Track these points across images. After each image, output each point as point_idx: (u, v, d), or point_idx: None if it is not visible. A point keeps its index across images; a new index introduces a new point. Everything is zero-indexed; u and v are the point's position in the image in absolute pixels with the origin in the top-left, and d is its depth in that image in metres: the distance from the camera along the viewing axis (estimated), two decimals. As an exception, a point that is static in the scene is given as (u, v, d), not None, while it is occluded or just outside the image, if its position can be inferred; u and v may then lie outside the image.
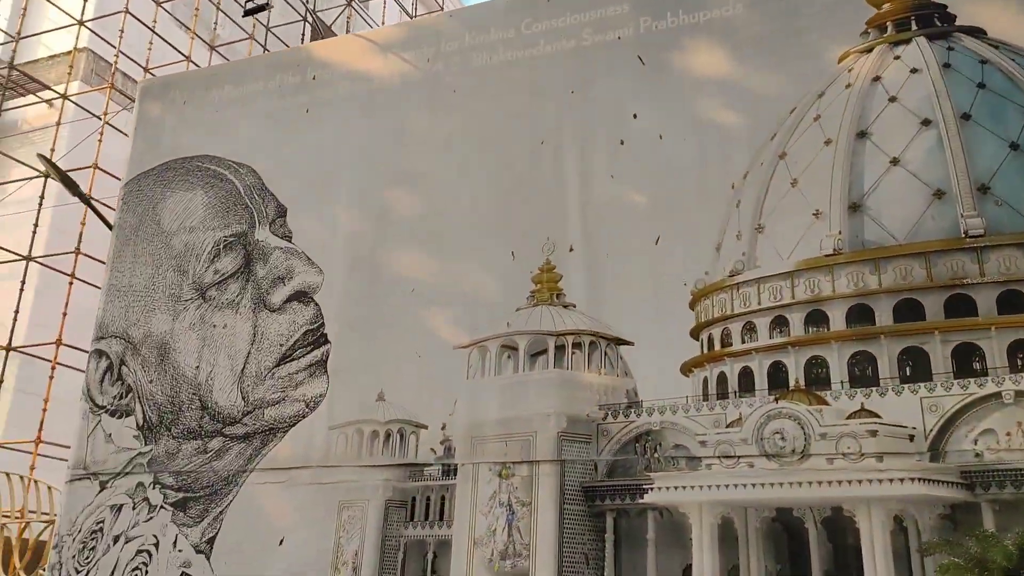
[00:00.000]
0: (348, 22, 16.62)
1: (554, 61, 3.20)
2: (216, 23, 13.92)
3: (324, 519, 3.01)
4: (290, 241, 3.46)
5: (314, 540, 3.00)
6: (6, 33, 12.44)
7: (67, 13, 11.97)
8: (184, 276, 3.57)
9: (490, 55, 3.31)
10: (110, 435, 3.48)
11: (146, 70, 12.54)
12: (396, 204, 3.33)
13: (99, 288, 11.61)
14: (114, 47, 12.03)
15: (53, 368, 10.75)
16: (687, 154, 2.91)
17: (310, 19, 16.30)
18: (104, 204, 11.54)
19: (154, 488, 3.31)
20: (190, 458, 3.30)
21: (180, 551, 3.18)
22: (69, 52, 12.55)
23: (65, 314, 10.90)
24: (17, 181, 11.70)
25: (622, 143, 3.01)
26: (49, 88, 11.96)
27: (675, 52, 3.05)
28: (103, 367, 3.61)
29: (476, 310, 3.05)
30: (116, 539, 3.30)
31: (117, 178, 11.32)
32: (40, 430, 10.59)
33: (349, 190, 3.44)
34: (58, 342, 10.78)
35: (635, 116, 3.02)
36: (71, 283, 11.05)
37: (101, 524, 3.35)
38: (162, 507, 3.28)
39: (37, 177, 11.43)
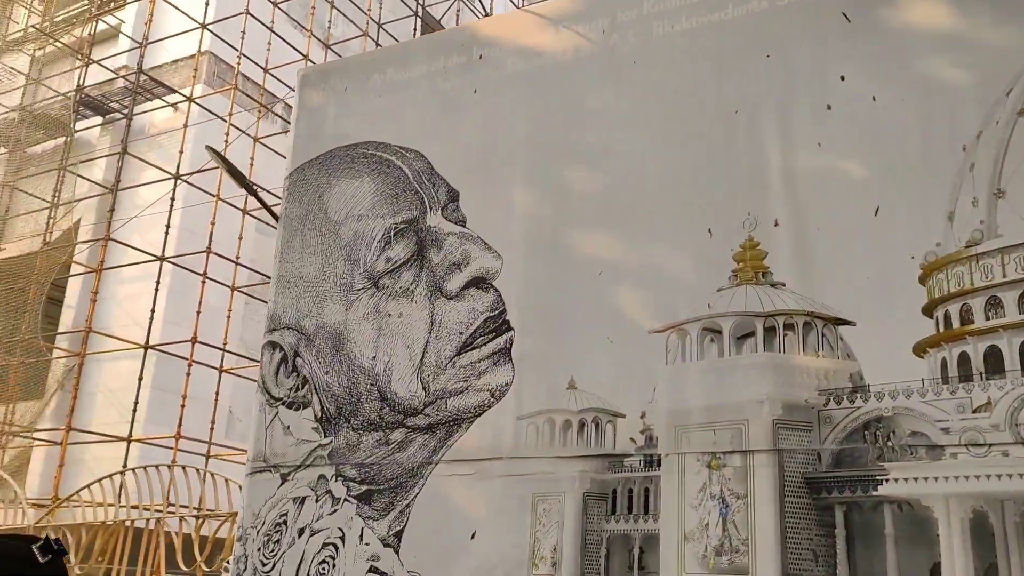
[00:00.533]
0: (457, 16, 16.67)
1: (745, 25, 2.99)
2: (330, 22, 14.16)
3: (517, 512, 2.89)
4: (464, 226, 3.36)
5: (508, 534, 2.89)
6: (133, 40, 12.93)
7: (191, 17, 12.36)
8: (355, 265, 3.52)
9: (672, 23, 3.12)
10: (288, 427, 3.46)
11: (265, 70, 12.84)
12: (577, 183, 3.18)
13: (228, 286, 11.86)
14: (236, 49, 12.36)
15: (190, 365, 11.15)
16: (906, 116, 2.66)
17: (420, 13, 16.40)
18: (229, 204, 11.87)
19: (336, 480, 3.27)
20: (371, 450, 3.24)
21: (367, 544, 3.12)
22: (192, 56, 13.00)
23: (199, 312, 11.28)
24: (148, 184, 12.16)
25: (829, 108, 2.78)
26: (176, 91, 12.38)
27: (885, 7, 2.80)
28: (277, 359, 3.60)
29: (671, 292, 2.88)
30: (300, 532, 3.27)
31: (247, 178, 11.58)
32: (179, 425, 10.99)
33: (525, 171, 3.31)
34: (193, 340, 11.17)
35: (842, 79, 2.78)
36: (203, 282, 11.43)
37: (284, 517, 3.32)
38: (346, 500, 3.23)
39: (167, 179, 11.85)
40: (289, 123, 13.58)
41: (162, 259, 11.06)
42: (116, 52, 13.38)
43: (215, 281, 11.71)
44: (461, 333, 3.21)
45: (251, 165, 12.27)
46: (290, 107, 14.25)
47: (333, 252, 3.61)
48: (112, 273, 12.12)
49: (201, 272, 11.63)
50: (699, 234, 2.86)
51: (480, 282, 3.25)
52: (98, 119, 13.28)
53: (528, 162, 3.32)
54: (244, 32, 12.15)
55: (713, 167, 2.93)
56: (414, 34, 18.02)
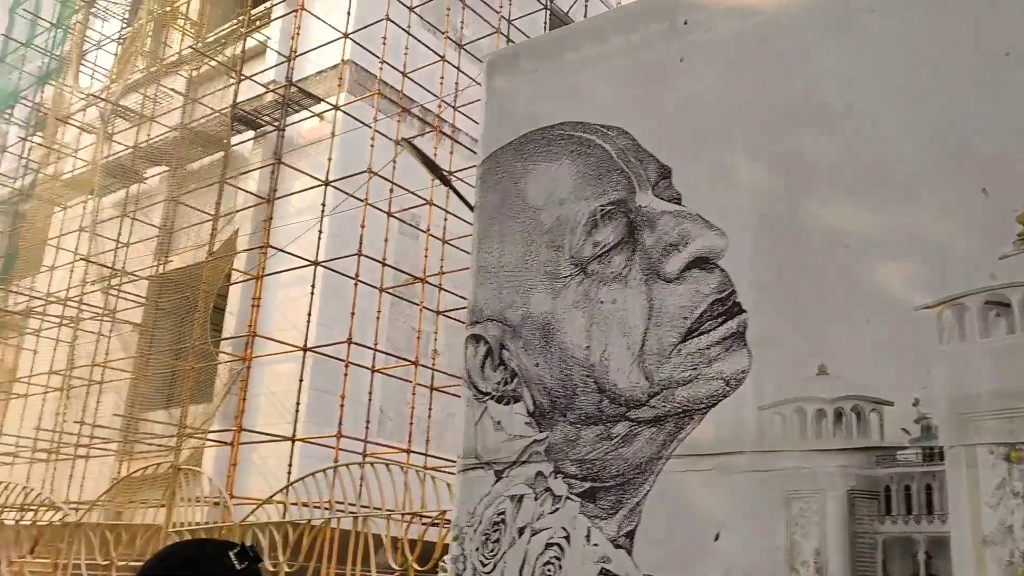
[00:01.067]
0: (586, 5, 16.45)
1: (1009, -46, 2.62)
2: (463, 23, 14.22)
3: (768, 512, 2.63)
4: (680, 203, 3.12)
5: (758, 536, 2.63)
6: (279, 54, 13.36)
7: (333, 27, 12.66)
8: (559, 252, 3.35)
9: (916, -39, 2.78)
10: (499, 423, 3.32)
11: (404, 75, 13.00)
12: (809, 149, 2.88)
13: (376, 288, 12.09)
14: (378, 56, 12.58)
15: (347, 366, 11.40)
16: None
17: (549, 6, 16.27)
18: (376, 207, 12.06)
19: (556, 477, 3.10)
20: (593, 445, 3.05)
21: (596, 545, 2.93)
22: (335, 66, 13.32)
23: (353, 314, 11.53)
24: (300, 192, 12.53)
25: None
26: (323, 100, 12.72)
27: None
28: (482, 352, 3.46)
29: (939, 262, 2.54)
30: (521, 531, 3.11)
31: (391, 181, 11.76)
32: (340, 425, 11.25)
33: (746, 140, 3.04)
34: (349, 341, 11.41)
35: None
36: (356, 285, 11.68)
37: (503, 515, 3.18)
38: (568, 498, 3.05)
39: (318, 186, 12.17)
40: (428, 125, 13.75)
41: (316, 263, 11.35)
42: (264, 68, 13.89)
43: (365, 283, 11.97)
44: (685, 318, 2.97)
45: (394, 167, 12.47)
46: (428, 110, 14.42)
47: (535, 239, 3.45)
48: (271, 279, 12.55)
49: (352, 275, 11.91)
50: (970, 195, 2.52)
51: (703, 262, 3.00)
52: (250, 133, 13.81)
53: (749, 131, 3.04)
54: (385, 37, 12.33)
55: (980, 119, 2.57)
56: (545, 28, 17.93)
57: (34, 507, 11.97)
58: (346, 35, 12.19)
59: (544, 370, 3.26)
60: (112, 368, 13.22)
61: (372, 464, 9.38)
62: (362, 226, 11.45)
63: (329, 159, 11.81)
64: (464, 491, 3.33)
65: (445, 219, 12.38)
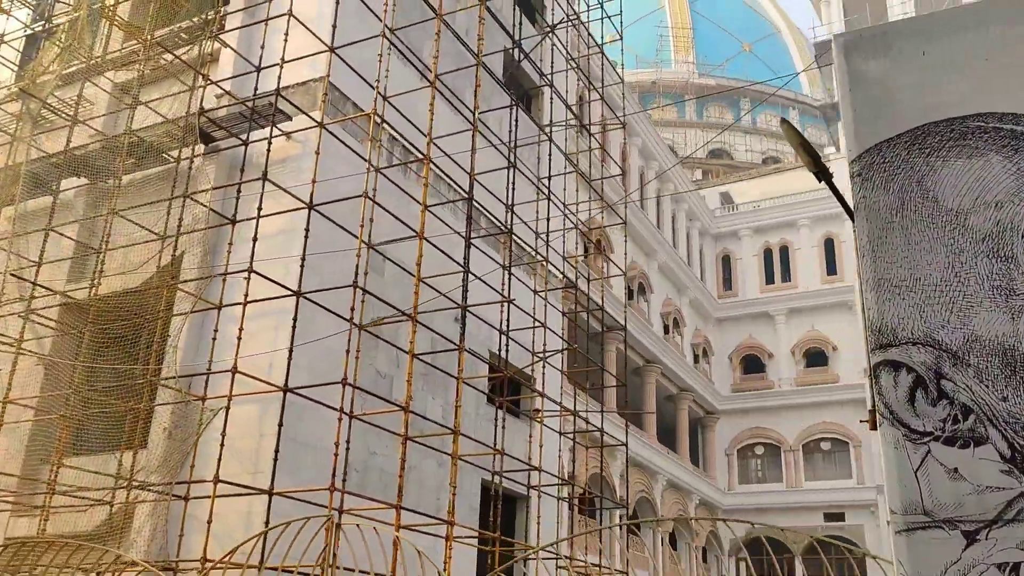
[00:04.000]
0: (551, 46, 16.10)
1: None
2: (436, 57, 13.48)
3: None
4: None
5: None
6: (251, 64, 12.09)
7: (319, 39, 11.66)
8: (1010, 263, 2.78)
9: None
10: (955, 470, 2.67)
11: (386, 99, 12.10)
12: None
13: (350, 322, 10.79)
14: (364, 78, 11.67)
15: (340, 413, 10.12)
16: None
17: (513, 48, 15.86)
18: (350, 232, 10.99)
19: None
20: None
21: None
22: (305, 83, 12.28)
23: (349, 352, 10.24)
24: (279, 213, 11.20)
25: None
26: (307, 115, 11.62)
27: None
28: (907, 382, 2.81)
29: None
30: (1027, 609, 2.46)
31: (384, 208, 10.74)
32: (333, 477, 9.94)
33: None
34: (343, 382, 10.15)
35: None
36: (352, 319, 10.45)
37: (990, 588, 2.52)
38: (1097, 566, 2.43)
39: (293, 210, 10.99)
40: (395, 156, 12.82)
41: (298, 294, 10.14)
42: (222, 78, 12.60)
43: (343, 319, 10.83)
44: None
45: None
46: (395, 138, 13.53)
47: (964, 248, 2.86)
48: (220, 311, 11.13)
49: (329, 307, 10.75)
50: None
51: None
52: (201, 147, 12.42)
53: None
54: (381, 55, 11.43)
55: None
56: (504, 72, 17.51)
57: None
58: (332, 49, 11.17)
59: (1018, 405, 2.65)
60: (20, 405, 11.22)
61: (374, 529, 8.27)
62: (358, 255, 10.37)
63: (314, 181, 10.68)
64: (913, 555, 2.64)
65: (420, 255, 11.48)
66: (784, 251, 39.11)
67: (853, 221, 3.14)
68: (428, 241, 11.21)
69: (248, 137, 11.62)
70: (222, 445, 9.70)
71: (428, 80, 12.81)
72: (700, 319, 38.63)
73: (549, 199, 16.69)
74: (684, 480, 32.83)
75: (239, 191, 11.12)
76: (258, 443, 10.66)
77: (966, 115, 3.01)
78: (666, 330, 35.34)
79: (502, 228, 14.54)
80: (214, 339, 10.60)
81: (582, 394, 20.96)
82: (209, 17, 12.76)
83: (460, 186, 13.58)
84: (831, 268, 38.05)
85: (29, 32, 15.55)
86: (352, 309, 10.94)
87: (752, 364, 38.82)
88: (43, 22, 15.23)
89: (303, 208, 10.56)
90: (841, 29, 40.23)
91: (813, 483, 36.04)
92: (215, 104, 12.41)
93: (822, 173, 4.09)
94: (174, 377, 10.80)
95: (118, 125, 13.22)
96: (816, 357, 37.47)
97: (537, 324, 15.13)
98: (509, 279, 13.73)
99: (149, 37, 12.29)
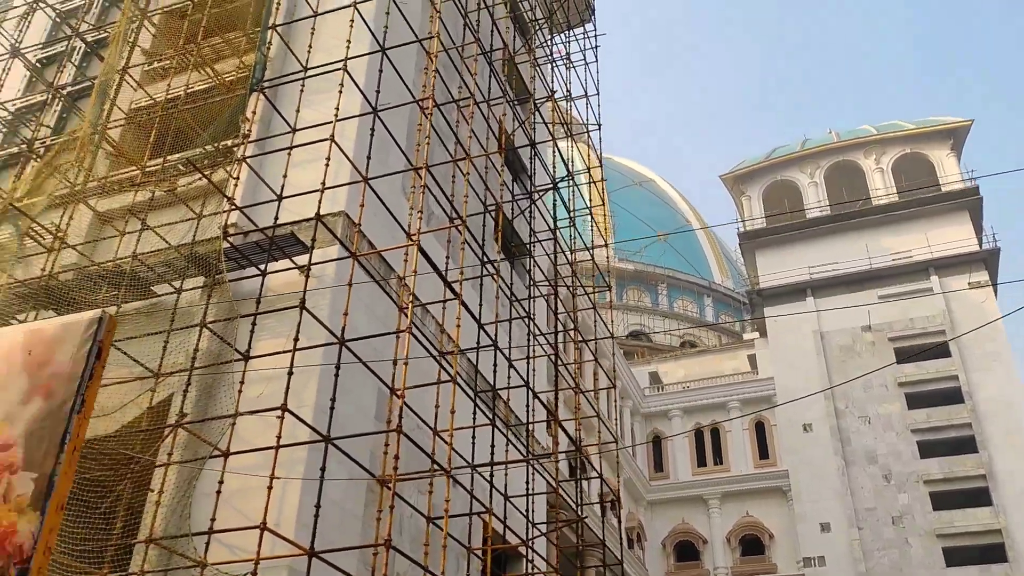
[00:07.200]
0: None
1: None
2: (452, 198, 13.00)
3: None
4: None
5: None
6: (276, 193, 11.20)
7: (356, 167, 10.89)
8: None
9: None
10: None
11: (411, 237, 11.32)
12: None
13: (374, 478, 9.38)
14: (385, 203, 10.90)
15: None
16: None
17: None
18: (377, 377, 9.84)
19: None
20: None
21: None
22: (315, 217, 11.49)
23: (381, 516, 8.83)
24: (278, 353, 9.98)
25: None
26: (342, 244, 10.68)
27: None
28: None
29: None
30: None
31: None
32: None
33: None
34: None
35: None
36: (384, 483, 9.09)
37: None
38: None
39: (331, 344, 9.85)
40: (396, 292, 11.88)
41: (327, 440, 8.80)
42: (231, 208, 11.61)
43: (363, 467, 9.48)
44: None
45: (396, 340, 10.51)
46: (406, 284, 12.70)
47: None
48: (218, 462, 9.61)
49: (349, 456, 9.43)
50: None
51: None
52: (200, 279, 11.24)
53: None
54: (410, 191, 10.78)
55: None
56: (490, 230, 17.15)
57: None
58: (366, 179, 10.42)
59: None
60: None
61: None
62: (400, 394, 9.20)
63: (345, 314, 9.63)
64: None
65: (437, 406, 10.42)
66: (715, 433, 38.97)
67: None
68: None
69: (266, 268, 10.57)
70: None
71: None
72: (632, 502, 37.48)
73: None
74: None
75: (254, 323, 9.91)
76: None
77: None
78: (602, 511, 33.99)
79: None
80: (219, 492, 9.01)
81: None
82: (231, 144, 11.97)
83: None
84: (763, 452, 37.94)
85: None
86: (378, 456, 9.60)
87: (686, 551, 37.49)
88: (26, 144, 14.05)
89: (335, 344, 9.46)
90: (763, 224, 42.76)
91: None
92: (217, 234, 11.36)
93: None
94: (172, 537, 9.04)
95: (96, 252, 11.93)
96: (751, 545, 36.53)
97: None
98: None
99: (162, 161, 11.35)
